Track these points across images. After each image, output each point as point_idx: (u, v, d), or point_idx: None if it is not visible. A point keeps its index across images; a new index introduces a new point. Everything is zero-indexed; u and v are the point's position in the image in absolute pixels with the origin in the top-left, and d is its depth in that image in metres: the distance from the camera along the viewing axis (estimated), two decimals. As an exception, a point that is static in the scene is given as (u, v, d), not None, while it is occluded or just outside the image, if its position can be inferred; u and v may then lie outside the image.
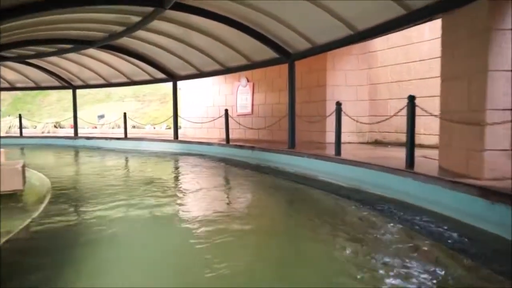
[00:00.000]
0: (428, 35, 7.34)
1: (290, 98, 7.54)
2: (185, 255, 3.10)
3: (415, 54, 7.64)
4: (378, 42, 8.52)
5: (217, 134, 12.49)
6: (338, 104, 6.07)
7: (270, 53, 7.89)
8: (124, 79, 12.96)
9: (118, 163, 9.19)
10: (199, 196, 5.22)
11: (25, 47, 9.64)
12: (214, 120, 11.25)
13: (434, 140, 7.03)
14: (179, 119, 12.53)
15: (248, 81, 11.55)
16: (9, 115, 18.31)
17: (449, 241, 3.21)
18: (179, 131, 14.08)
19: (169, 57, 10.41)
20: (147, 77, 12.29)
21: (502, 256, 2.92)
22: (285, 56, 7.50)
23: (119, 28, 8.23)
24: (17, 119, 17.73)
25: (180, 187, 6.09)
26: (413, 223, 3.64)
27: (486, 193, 3.32)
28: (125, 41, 9.73)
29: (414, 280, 2.51)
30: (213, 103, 12.74)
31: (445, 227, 3.46)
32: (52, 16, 6.72)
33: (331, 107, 9.03)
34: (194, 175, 6.88)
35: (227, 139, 9.47)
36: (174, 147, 11.12)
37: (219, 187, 6.03)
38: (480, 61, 3.75)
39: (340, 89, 9.05)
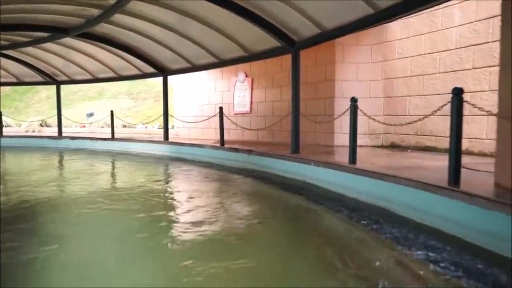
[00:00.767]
0: (458, 20, 6.18)
1: (293, 94, 6.40)
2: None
3: (441, 43, 6.48)
4: (397, 30, 7.36)
5: (213, 134, 11.34)
6: (354, 101, 4.92)
7: (271, 42, 6.75)
8: (112, 74, 11.84)
9: (92, 170, 8.03)
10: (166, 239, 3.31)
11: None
12: (208, 119, 10.11)
13: (467, 145, 5.88)
14: (172, 118, 11.42)
15: (246, 76, 10.41)
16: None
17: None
18: (172, 131, 13.00)
19: (159, 49, 9.29)
20: (136, 72, 11.17)
21: None
22: (289, 44, 6.35)
23: (96, 12, 7.11)
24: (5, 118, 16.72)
25: (144, 216, 4.07)
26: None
27: None
28: (110, 30, 8.62)
29: None
30: (208, 100, 11.61)
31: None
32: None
33: (340, 105, 7.91)
34: (174, 190, 5.74)
35: (222, 141, 8.33)
36: (163, 149, 9.99)
37: (200, 213, 4.11)
38: None
39: (351, 84, 7.90)
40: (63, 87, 20.41)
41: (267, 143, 9.08)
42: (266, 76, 9.89)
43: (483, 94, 5.76)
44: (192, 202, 4.64)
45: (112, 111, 11.90)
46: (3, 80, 13.48)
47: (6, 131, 15.62)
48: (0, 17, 6.87)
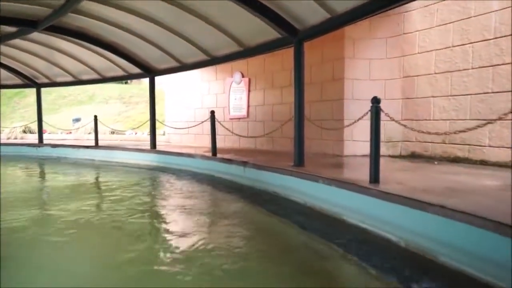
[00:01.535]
0: (497, 3, 5.08)
1: (297, 95, 5.28)
2: None
3: (475, 32, 5.38)
4: (417, 20, 6.26)
5: (207, 141, 10.21)
6: (376, 102, 3.81)
7: (270, 33, 5.67)
8: (95, 76, 10.76)
9: (57, 189, 6.93)
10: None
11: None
12: (200, 124, 8.99)
13: (506, 155, 4.76)
14: (164, 123, 10.32)
15: (243, 76, 9.32)
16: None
17: None
18: (163, 137, 11.91)
19: (145, 47, 8.21)
20: (121, 73, 10.09)
21: None
22: (291, 34, 5.25)
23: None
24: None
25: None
26: None
27: None
28: (87, 24, 7.56)
29: None
30: (201, 104, 10.51)
31: None
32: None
33: (350, 108, 6.80)
34: (146, 219, 4.61)
35: (214, 150, 7.21)
36: (149, 159, 8.87)
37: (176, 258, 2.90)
38: None
39: (362, 84, 6.80)
40: (49, 91, 19.48)
41: (267, 152, 7.96)
42: (265, 76, 8.80)
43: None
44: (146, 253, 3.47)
45: (95, 116, 10.81)
46: (-20, 83, 12.41)
47: (-14, 138, 14.58)
48: None
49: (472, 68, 5.42)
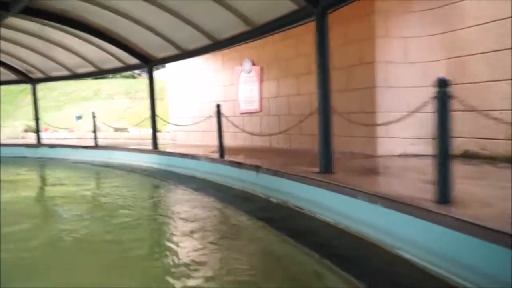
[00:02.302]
0: None
1: (321, 82, 4.15)
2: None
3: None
4: (469, -16, 5.02)
5: (215, 139, 9.17)
6: (443, 84, 2.65)
7: (284, 6, 4.54)
8: (92, 68, 9.78)
9: (49, 193, 6.00)
10: None
11: None
12: (201, 121, 7.91)
13: None
14: (168, 119, 9.29)
15: (253, 64, 8.19)
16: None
17: None
18: (168, 135, 10.92)
19: (142, 33, 7.16)
20: (118, 64, 9.07)
21: None
22: (311, 3, 4.10)
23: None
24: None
25: None
26: None
27: None
28: (71, 7, 6.54)
29: None
30: (208, 97, 9.44)
31: None
32: None
33: (384, 97, 5.63)
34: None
35: (221, 151, 6.14)
36: (151, 160, 7.87)
37: None
38: None
39: (398, 68, 5.61)
40: (52, 87, 18.72)
41: (283, 151, 6.85)
42: (277, 63, 7.66)
43: None
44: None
45: (93, 113, 9.87)
46: (-27, 80, 11.60)
47: (-14, 138, 13.88)
48: None
49: (551, 41, 4.18)
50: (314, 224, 3.58)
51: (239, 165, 5.43)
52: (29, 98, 17.77)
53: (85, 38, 8.08)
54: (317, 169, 4.23)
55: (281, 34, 6.89)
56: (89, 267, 2.84)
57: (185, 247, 3.18)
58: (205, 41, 6.59)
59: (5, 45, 9.40)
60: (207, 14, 5.76)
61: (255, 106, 8.24)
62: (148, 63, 8.13)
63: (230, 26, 5.74)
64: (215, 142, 9.18)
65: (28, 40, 8.82)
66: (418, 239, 2.55)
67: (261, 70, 8.04)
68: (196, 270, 2.67)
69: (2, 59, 10.35)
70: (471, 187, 3.23)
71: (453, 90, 2.69)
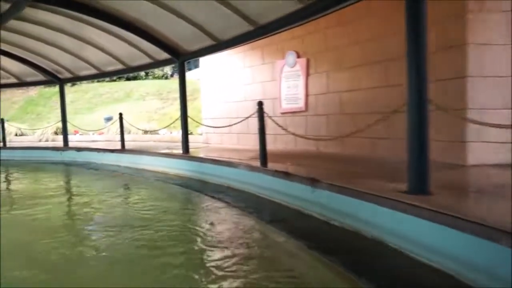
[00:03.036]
0: None
1: (413, 70, 2.97)
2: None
3: None
4: None
5: (253, 142, 8.15)
6: None
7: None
8: (120, 66, 9.03)
9: (60, 217, 5.16)
10: None
11: None
12: (238, 122, 6.84)
13: None
14: (199, 121, 8.33)
15: (298, 56, 7.08)
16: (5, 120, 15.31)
17: None
18: (201, 138, 10.00)
19: (174, 23, 6.30)
20: (147, 60, 8.24)
21: None
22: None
23: None
24: (21, 125, 14.81)
25: None
26: None
27: None
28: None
29: None
30: (244, 96, 8.42)
31: None
32: None
33: (478, 90, 4.35)
34: None
35: (263, 157, 5.06)
36: (180, 167, 6.92)
37: None
38: None
39: (496, 52, 4.30)
40: (85, 89, 18.49)
41: (337, 158, 5.68)
42: (328, 54, 6.50)
43: None
44: None
45: (121, 114, 9.12)
46: (3, 81, 11.26)
47: (18, 140, 13.63)
48: None
49: None
50: (418, 272, 2.41)
51: (287, 176, 4.33)
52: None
53: (114, 32, 7.39)
54: (402, 186, 3.06)
55: (332, 20, 5.80)
56: None
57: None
58: (244, 27, 5.56)
59: (34, 44, 8.89)
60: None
61: (299, 104, 7.11)
62: (179, 57, 7.21)
63: (276, 6, 4.66)
64: (252, 145, 8.17)
65: (58, 38, 8.30)
66: None
67: (308, 62, 6.91)
68: None
69: (31, 59, 9.85)
70: None
71: None
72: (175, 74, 23.30)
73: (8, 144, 11.98)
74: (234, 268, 2.65)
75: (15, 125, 14.15)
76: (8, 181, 7.64)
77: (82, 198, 5.53)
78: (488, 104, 4.25)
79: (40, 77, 10.64)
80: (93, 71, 9.73)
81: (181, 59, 7.20)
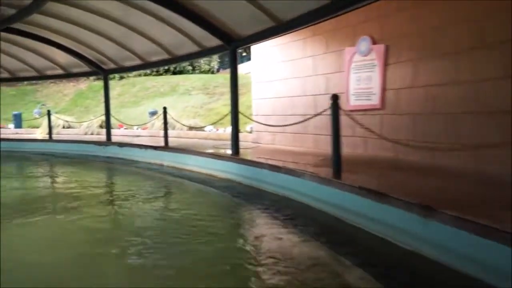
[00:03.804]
0: None
1: None
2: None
3: None
4: None
5: (311, 143, 7.06)
6: None
7: None
8: (165, 56, 8.28)
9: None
10: None
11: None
12: (301, 121, 5.70)
13: None
14: (247, 118, 7.37)
15: (373, 42, 5.83)
16: (55, 112, 15.29)
17: None
18: (250, 136, 9.01)
19: (231, 3, 5.34)
20: (195, 49, 7.37)
21: None
22: None
23: None
24: (68, 118, 14.73)
25: None
26: None
27: None
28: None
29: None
30: (303, 90, 7.30)
31: None
32: None
33: None
34: None
35: (337, 166, 3.94)
36: (230, 170, 5.97)
37: None
38: None
39: None
40: (132, 82, 18.21)
41: (434, 171, 4.40)
42: (414, 38, 5.21)
43: None
44: None
45: (165, 108, 8.38)
46: (49, 72, 10.99)
47: (65, 133, 13.48)
48: None
49: None
50: None
51: (379, 197, 3.17)
52: (112, 94, 17.42)
53: (161, 17, 6.64)
54: None
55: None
56: None
57: None
58: (311, 4, 4.45)
59: (80, 33, 8.39)
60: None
61: (373, 100, 5.88)
62: (231, 43, 6.24)
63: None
64: (310, 146, 7.06)
65: (104, 25, 7.76)
66: None
67: (386, 49, 5.65)
68: None
69: (76, 49, 9.40)
70: None
71: None
72: (221, 69, 22.60)
73: (55, 137, 11.77)
74: None
75: (63, 118, 14.02)
76: (52, 178, 7.19)
77: (121, 208, 4.72)
78: None
79: (85, 68, 10.19)
80: (137, 62, 9.08)
81: (233, 46, 6.22)
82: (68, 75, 10.86)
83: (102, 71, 9.83)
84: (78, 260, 2.82)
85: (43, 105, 17.72)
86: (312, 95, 7.06)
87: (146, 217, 4.13)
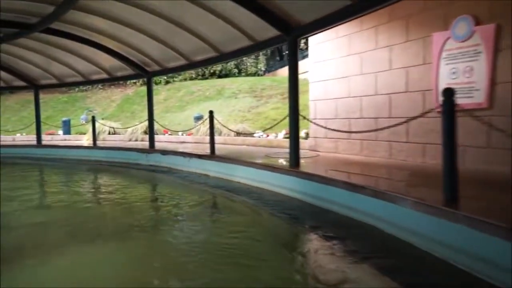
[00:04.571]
0: None
1: None
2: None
3: None
4: None
5: (383, 152, 5.81)
6: None
7: None
8: (211, 54, 7.40)
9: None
10: None
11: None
12: (397, 124, 4.46)
13: None
14: (304, 122, 6.26)
15: (476, 24, 4.50)
16: (100, 118, 15.09)
17: None
18: (306, 143, 7.86)
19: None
20: (244, 43, 6.40)
21: None
22: None
23: None
24: (114, 124, 14.47)
25: None
26: None
27: None
28: None
29: None
30: (375, 88, 6.06)
31: None
32: None
33: None
34: None
35: (450, 188, 2.72)
36: (289, 186, 4.89)
37: None
38: None
39: None
40: (178, 87, 17.76)
41: None
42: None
43: None
44: None
45: (211, 112, 7.49)
46: (95, 77, 10.60)
47: (111, 139, 13.16)
48: None
49: None
50: None
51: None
52: (155, 99, 17.03)
53: (209, 7, 5.74)
54: None
55: None
56: None
57: None
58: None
59: (122, 33, 7.78)
60: None
61: (476, 98, 4.54)
62: (290, 32, 5.17)
63: None
64: (383, 156, 5.69)
65: (148, 23, 7.07)
66: None
67: (497, 30, 4.30)
68: None
69: (120, 51, 8.83)
70: None
71: None
72: (267, 72, 21.64)
73: (100, 143, 11.40)
74: None
75: (108, 124, 13.74)
76: (95, 190, 6.58)
77: (167, 234, 3.81)
78: None
79: (129, 71, 9.64)
80: (181, 62, 8.30)
81: (293, 35, 5.14)
82: (113, 79, 10.39)
83: (145, 73, 9.20)
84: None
85: (90, 111, 17.73)
86: (387, 94, 5.81)
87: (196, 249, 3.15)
